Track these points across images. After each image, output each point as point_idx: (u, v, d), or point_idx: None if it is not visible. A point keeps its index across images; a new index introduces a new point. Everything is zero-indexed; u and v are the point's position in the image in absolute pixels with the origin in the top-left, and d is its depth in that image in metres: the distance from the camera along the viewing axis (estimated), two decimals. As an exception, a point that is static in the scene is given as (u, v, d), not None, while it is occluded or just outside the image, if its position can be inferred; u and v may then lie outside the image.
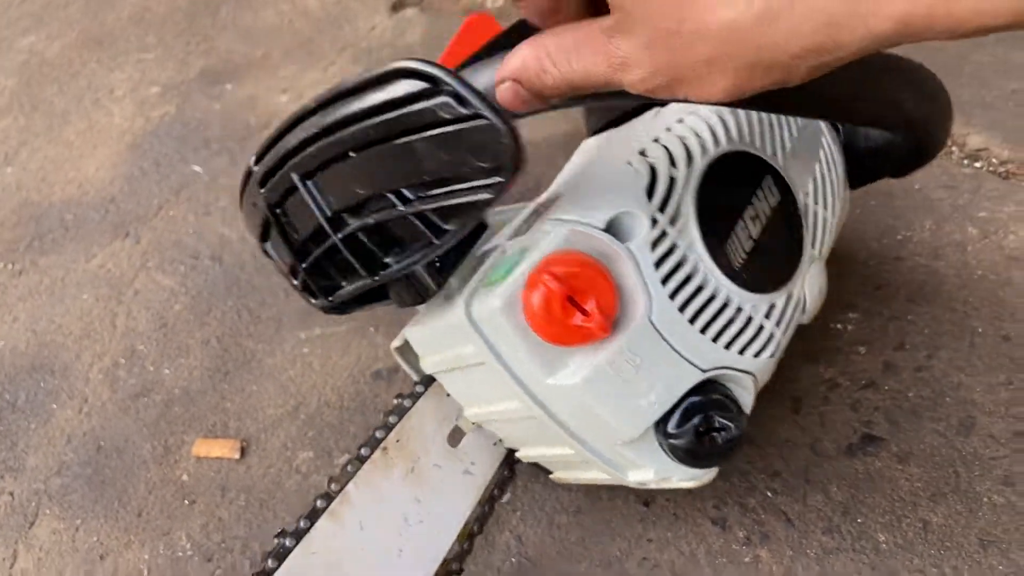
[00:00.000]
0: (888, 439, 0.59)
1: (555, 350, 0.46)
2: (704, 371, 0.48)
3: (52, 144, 1.06)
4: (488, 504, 0.54)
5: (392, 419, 0.52)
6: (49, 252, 0.90)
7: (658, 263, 0.46)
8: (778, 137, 0.54)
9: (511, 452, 0.57)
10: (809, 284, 0.55)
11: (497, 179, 0.37)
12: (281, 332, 0.77)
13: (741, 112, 0.52)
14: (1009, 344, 0.64)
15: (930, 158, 0.57)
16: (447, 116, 0.36)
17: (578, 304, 0.44)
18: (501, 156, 0.36)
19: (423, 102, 0.36)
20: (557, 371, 0.46)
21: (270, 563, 0.44)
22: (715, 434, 0.47)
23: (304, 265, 0.48)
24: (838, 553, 0.54)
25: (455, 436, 0.55)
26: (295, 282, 0.51)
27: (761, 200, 0.52)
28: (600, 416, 0.47)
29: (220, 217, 0.90)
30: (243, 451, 0.67)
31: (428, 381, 0.55)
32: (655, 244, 0.46)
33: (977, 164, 0.78)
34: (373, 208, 0.43)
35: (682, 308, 0.47)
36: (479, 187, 0.38)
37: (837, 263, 0.59)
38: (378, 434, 0.50)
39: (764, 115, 0.54)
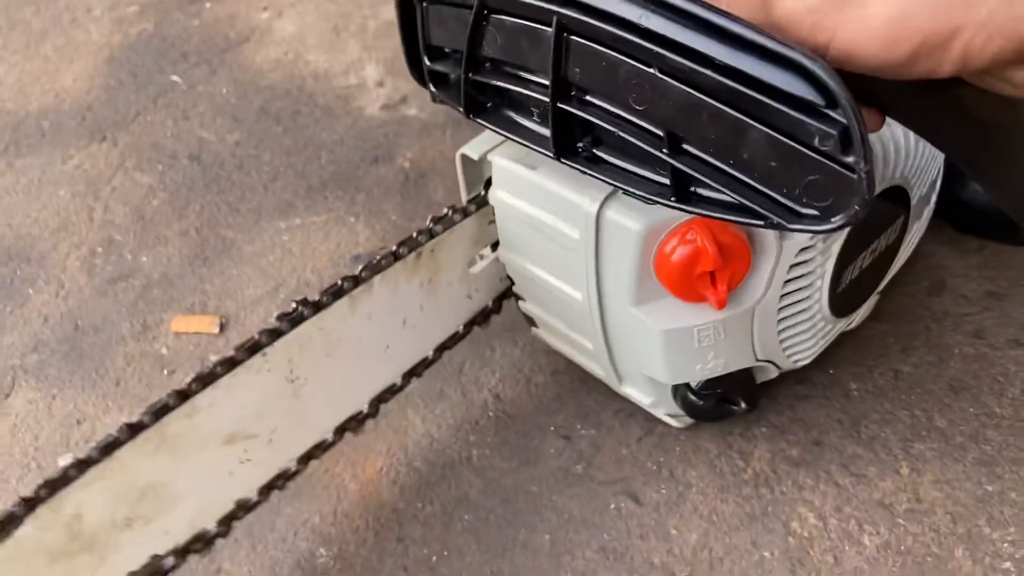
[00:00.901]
0: (861, 301, 0.60)
1: (657, 288, 0.44)
2: (757, 360, 0.48)
3: (29, 60, 1.05)
4: (468, 327, 0.55)
5: (437, 228, 0.50)
6: (26, 155, 0.89)
7: (792, 267, 0.45)
8: (925, 179, 0.52)
9: (507, 289, 0.57)
10: (865, 307, 0.55)
11: (808, 224, 0.31)
12: (260, 223, 0.77)
13: (908, 143, 0.48)
14: (980, 216, 0.64)
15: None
16: (818, 147, 0.29)
17: (713, 275, 0.42)
18: (837, 210, 0.30)
19: (803, 115, 0.29)
20: (645, 305, 0.45)
21: (283, 325, 0.43)
22: (728, 406, 0.49)
23: (470, 75, 0.41)
24: (808, 399, 0.55)
25: (472, 260, 0.54)
26: (428, 62, 0.44)
27: (886, 236, 0.51)
28: (652, 357, 0.47)
29: (199, 121, 0.89)
30: (222, 327, 0.67)
31: (480, 202, 0.52)
32: (802, 251, 0.44)
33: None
34: (625, 121, 0.36)
35: (780, 310, 0.46)
36: (779, 208, 0.32)
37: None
38: (420, 238, 0.49)
39: (921, 152, 0.50)
